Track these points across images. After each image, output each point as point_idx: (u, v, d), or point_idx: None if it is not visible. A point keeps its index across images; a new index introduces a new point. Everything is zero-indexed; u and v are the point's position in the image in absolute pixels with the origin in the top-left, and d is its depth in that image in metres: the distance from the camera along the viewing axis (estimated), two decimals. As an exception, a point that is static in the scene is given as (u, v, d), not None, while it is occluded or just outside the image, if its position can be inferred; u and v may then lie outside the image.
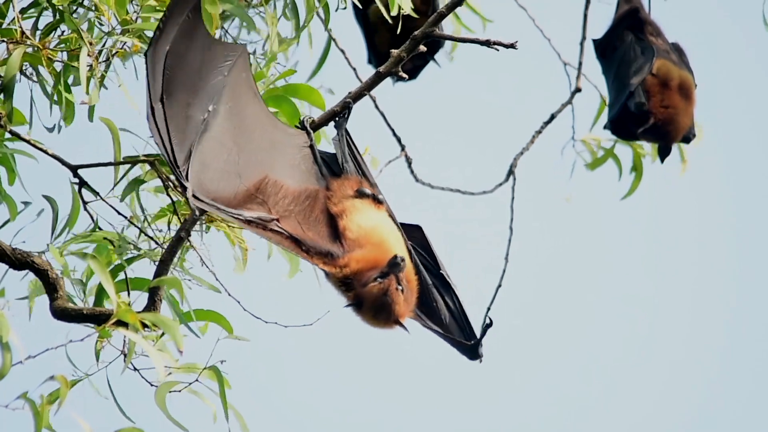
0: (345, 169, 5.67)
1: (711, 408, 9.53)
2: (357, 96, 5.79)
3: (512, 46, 5.72)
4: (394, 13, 6.04)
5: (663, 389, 9.60)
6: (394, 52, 5.77)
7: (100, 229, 5.93)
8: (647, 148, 8.76)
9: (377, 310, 5.44)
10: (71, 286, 5.86)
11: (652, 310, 9.74)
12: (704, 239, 9.88)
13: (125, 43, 5.79)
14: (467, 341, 5.67)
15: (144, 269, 5.92)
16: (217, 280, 5.85)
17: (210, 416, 5.43)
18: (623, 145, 8.80)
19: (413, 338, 5.57)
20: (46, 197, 5.93)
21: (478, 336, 5.66)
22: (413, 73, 8.40)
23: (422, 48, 5.81)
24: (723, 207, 9.88)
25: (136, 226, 5.95)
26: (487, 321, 5.64)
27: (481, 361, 5.68)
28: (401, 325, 5.48)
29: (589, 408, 9.49)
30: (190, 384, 5.51)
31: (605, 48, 8.39)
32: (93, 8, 5.77)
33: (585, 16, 8.69)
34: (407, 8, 6.06)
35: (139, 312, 5.16)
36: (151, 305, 5.67)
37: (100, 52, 5.76)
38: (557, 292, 9.59)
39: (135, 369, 5.62)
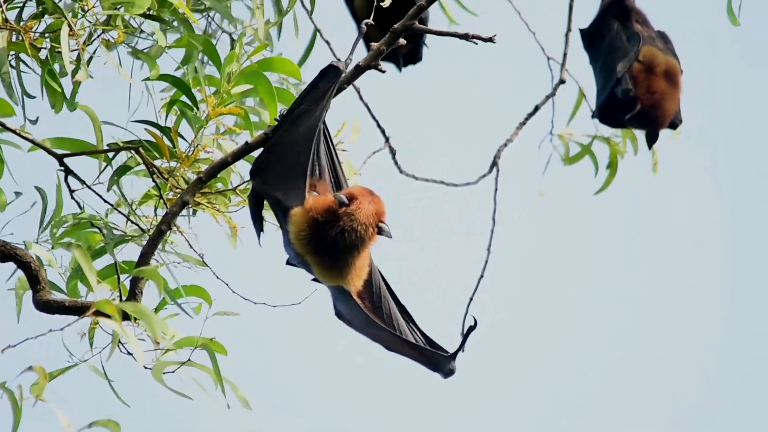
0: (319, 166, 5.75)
1: (694, 400, 9.56)
2: (338, 89, 5.78)
3: (490, 40, 5.75)
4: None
5: (649, 382, 9.62)
6: (374, 45, 5.78)
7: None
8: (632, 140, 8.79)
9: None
10: (59, 277, 5.91)
11: (633, 304, 9.76)
12: (685, 235, 9.92)
13: (109, 32, 5.79)
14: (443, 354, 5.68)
15: (132, 253, 5.97)
16: (204, 264, 5.88)
17: (202, 394, 5.44)
18: (601, 142, 8.83)
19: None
20: (37, 188, 5.97)
21: (457, 346, 5.66)
22: (415, 56, 8.42)
23: (402, 41, 5.82)
24: (701, 203, 9.93)
25: (121, 213, 5.95)
26: (471, 323, 5.64)
27: (449, 376, 5.68)
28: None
29: (576, 401, 9.50)
30: (183, 364, 5.51)
31: (592, 37, 8.44)
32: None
33: (570, 7, 8.71)
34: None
35: (119, 302, 5.17)
36: (132, 296, 5.68)
37: (87, 37, 5.76)
38: (540, 284, 9.61)
39: (128, 353, 5.62)
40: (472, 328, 5.61)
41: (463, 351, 5.63)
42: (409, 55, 6.30)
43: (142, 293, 5.68)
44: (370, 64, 5.79)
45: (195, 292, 5.72)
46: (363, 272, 5.60)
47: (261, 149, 5.68)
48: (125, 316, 5.24)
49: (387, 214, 5.56)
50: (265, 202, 5.71)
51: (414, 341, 5.65)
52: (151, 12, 5.84)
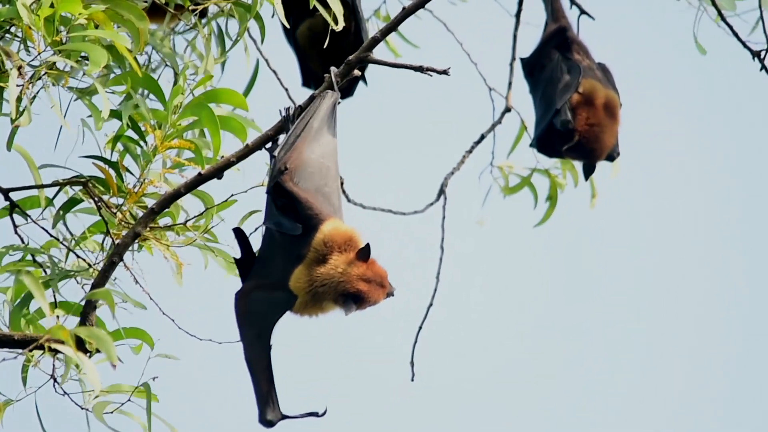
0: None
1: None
2: (293, 118, 5.86)
3: (445, 72, 5.87)
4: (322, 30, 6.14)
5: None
6: (328, 75, 5.87)
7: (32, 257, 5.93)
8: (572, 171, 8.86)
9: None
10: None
11: (574, 334, 9.84)
12: (624, 266, 10.04)
13: (54, 63, 5.78)
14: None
15: (72, 291, 5.95)
16: (150, 299, 5.86)
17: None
18: (541, 174, 8.88)
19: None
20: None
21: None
22: (348, 91, 8.46)
23: (356, 72, 5.92)
24: (640, 235, 10.05)
25: (68, 247, 5.94)
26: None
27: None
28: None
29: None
30: (123, 404, 5.53)
31: (533, 67, 8.47)
32: (19, 34, 5.75)
33: (515, 37, 8.77)
34: (337, 25, 6.14)
35: (72, 328, 5.14)
36: (84, 322, 5.68)
37: (32, 77, 5.75)
38: (489, 312, 9.67)
39: (65, 393, 5.61)
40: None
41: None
42: (343, 89, 6.41)
43: (94, 320, 5.68)
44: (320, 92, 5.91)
45: (136, 334, 5.69)
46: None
47: (276, 147, 5.80)
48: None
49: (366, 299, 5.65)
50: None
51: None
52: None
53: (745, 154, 10.07)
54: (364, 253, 5.59)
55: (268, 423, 5.64)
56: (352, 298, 5.56)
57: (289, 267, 5.63)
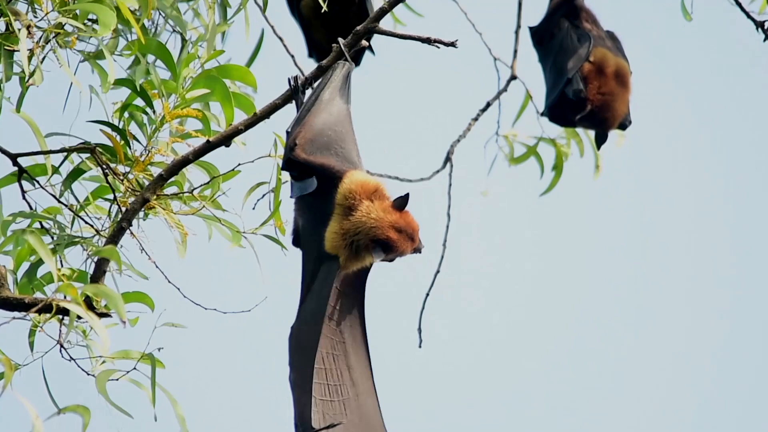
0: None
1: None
2: (302, 88, 5.86)
3: (452, 44, 5.88)
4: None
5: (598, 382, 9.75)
6: (336, 45, 5.85)
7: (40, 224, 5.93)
8: (577, 140, 8.85)
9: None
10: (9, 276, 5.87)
11: (580, 304, 9.87)
12: (628, 237, 10.05)
13: (64, 24, 5.76)
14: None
15: (77, 261, 5.95)
16: (156, 267, 5.87)
17: (148, 402, 5.45)
18: (546, 144, 8.88)
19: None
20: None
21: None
22: (355, 61, 8.42)
23: (364, 43, 5.91)
24: (645, 205, 10.06)
25: (73, 212, 5.93)
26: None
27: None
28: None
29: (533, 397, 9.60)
30: (128, 372, 5.53)
31: (542, 36, 8.43)
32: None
33: (519, 4, 8.75)
34: None
35: (81, 285, 5.14)
36: (94, 280, 5.67)
37: (40, 38, 5.73)
38: (495, 279, 9.68)
39: (71, 359, 5.62)
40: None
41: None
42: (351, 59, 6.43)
43: (104, 276, 5.68)
44: (332, 64, 5.92)
45: (137, 298, 5.68)
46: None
47: (291, 126, 5.78)
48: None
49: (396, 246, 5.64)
50: None
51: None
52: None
53: (749, 126, 10.05)
54: (401, 202, 5.62)
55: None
56: (382, 246, 5.57)
57: (322, 232, 5.66)
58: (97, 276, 5.67)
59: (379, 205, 5.60)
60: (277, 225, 6.04)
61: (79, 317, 5.21)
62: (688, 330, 9.86)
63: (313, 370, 5.58)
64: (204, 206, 5.94)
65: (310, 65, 7.91)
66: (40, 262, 5.86)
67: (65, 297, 5.25)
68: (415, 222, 5.63)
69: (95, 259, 5.72)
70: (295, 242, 5.80)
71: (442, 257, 8.55)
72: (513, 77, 8.80)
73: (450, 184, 8.70)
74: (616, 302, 9.88)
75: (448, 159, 8.74)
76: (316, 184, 5.64)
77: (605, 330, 9.79)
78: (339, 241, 5.60)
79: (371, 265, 5.72)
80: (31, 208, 5.95)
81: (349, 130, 5.80)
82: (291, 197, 5.76)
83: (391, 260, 5.68)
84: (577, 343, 9.78)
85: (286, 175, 5.87)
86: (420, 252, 5.65)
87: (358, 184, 5.64)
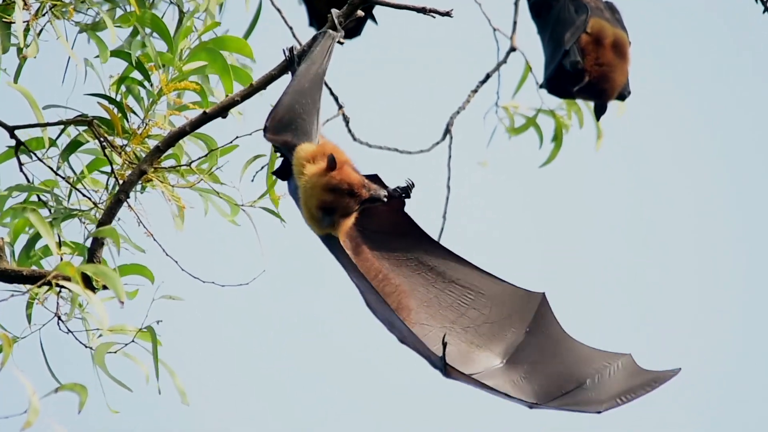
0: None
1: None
2: (299, 58, 5.85)
3: (448, 14, 5.85)
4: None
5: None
6: (332, 15, 5.83)
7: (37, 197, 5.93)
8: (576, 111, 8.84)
9: None
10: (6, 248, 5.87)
11: (578, 274, 9.87)
12: (627, 209, 10.05)
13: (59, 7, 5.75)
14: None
15: (74, 234, 5.96)
16: (154, 240, 5.87)
17: (142, 376, 5.47)
18: (546, 115, 8.87)
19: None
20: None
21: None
22: (356, 31, 8.41)
23: (360, 13, 5.88)
24: (644, 176, 10.05)
25: (70, 184, 5.93)
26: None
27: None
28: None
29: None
30: (126, 345, 5.55)
31: (540, 7, 8.39)
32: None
33: (520, -25, 8.74)
34: None
35: (79, 264, 5.14)
36: (91, 260, 5.69)
37: (38, 10, 5.72)
38: (495, 251, 9.68)
39: (69, 331, 5.63)
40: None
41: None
42: (350, 29, 6.39)
43: (101, 255, 5.69)
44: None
45: (135, 270, 5.70)
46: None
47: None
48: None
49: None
50: None
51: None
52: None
53: (752, 98, 10.04)
54: (330, 163, 5.59)
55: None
56: (323, 210, 5.57)
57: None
58: (95, 250, 5.67)
59: (312, 170, 5.61)
60: (272, 199, 6.04)
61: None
62: (686, 296, 9.87)
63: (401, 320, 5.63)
64: (201, 179, 5.93)
65: (310, 35, 7.87)
66: (38, 234, 5.86)
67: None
68: (352, 175, 5.60)
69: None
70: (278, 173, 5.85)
71: (442, 229, 8.56)
72: (512, 49, 8.78)
73: (450, 156, 8.70)
74: (615, 272, 9.89)
75: (447, 131, 8.73)
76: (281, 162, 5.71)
77: (605, 301, 9.80)
78: (308, 219, 5.64)
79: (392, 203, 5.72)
80: (28, 181, 5.95)
81: (316, 99, 5.77)
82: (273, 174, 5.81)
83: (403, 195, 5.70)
84: (576, 313, 9.80)
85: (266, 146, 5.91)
86: (378, 199, 5.62)
87: (303, 156, 5.64)
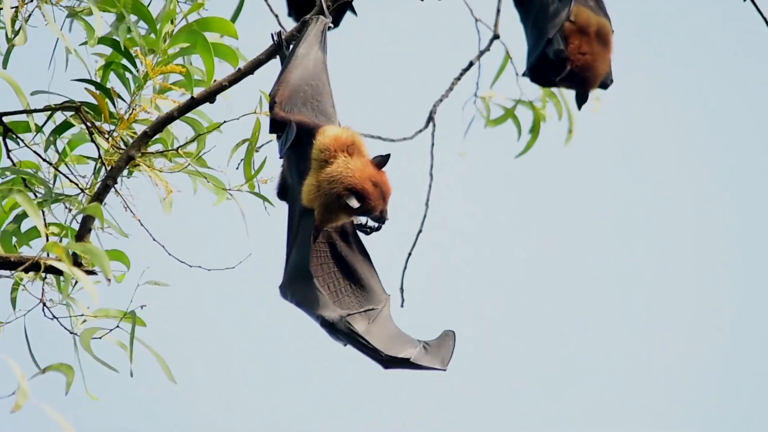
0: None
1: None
2: (287, 43, 5.91)
3: (420, -6, 5.90)
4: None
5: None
6: (318, 1, 5.88)
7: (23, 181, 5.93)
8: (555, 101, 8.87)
9: None
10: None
11: (556, 265, 9.91)
12: (603, 201, 10.10)
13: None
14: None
15: (60, 218, 5.96)
16: (141, 225, 5.88)
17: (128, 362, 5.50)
18: (524, 106, 8.90)
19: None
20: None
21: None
22: (335, 22, 8.41)
23: (345, -3, 5.95)
24: (618, 168, 10.10)
25: (56, 168, 5.93)
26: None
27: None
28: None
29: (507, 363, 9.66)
30: (111, 330, 5.56)
31: (523, -5, 8.45)
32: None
33: (500, -39, 8.75)
34: None
35: (67, 244, 5.16)
36: (80, 238, 5.70)
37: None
38: (477, 240, 9.72)
39: (54, 317, 5.65)
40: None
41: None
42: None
43: (89, 235, 5.70)
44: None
45: (113, 256, 5.69)
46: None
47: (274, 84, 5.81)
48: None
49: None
50: None
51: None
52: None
53: (730, 91, 10.08)
54: (381, 160, 5.67)
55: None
56: (356, 194, 5.59)
57: (300, 189, 5.73)
58: (83, 234, 5.69)
59: (358, 159, 5.63)
60: (248, 181, 6.05)
61: (63, 276, 5.23)
62: (663, 286, 9.92)
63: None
64: (189, 163, 5.95)
65: (291, 25, 7.88)
66: (23, 216, 5.87)
67: (48, 255, 5.27)
68: (390, 185, 5.68)
69: (80, 218, 5.74)
70: (280, 195, 5.85)
71: (425, 216, 8.58)
72: (496, 36, 8.79)
73: (432, 144, 8.71)
74: (594, 261, 9.93)
75: (430, 119, 8.74)
76: (295, 132, 5.68)
77: (585, 288, 9.85)
78: (314, 194, 5.64)
79: (353, 228, 5.78)
80: (14, 165, 5.96)
81: (326, 82, 5.85)
82: (279, 157, 5.80)
83: (367, 232, 5.74)
84: (557, 299, 9.84)
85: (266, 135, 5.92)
86: (382, 222, 5.69)
87: (331, 138, 5.68)
